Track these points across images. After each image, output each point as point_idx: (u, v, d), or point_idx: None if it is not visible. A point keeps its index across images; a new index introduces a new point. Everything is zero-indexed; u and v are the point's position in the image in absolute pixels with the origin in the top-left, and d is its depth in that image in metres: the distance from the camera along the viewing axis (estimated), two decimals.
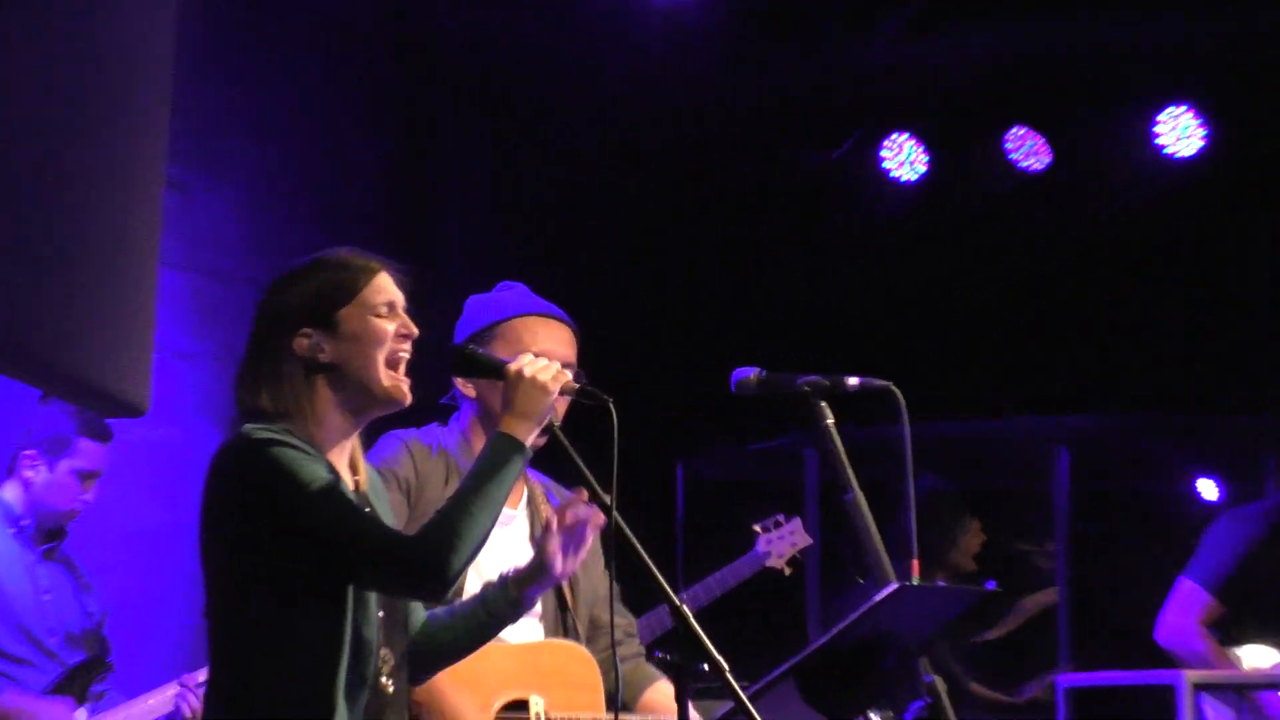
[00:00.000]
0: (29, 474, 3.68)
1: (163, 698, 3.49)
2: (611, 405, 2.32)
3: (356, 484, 2.33)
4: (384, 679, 2.32)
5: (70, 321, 2.87)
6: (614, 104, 5.65)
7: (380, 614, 2.28)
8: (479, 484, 2.25)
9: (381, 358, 2.28)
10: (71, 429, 3.65)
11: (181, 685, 3.57)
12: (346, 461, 2.33)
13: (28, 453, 3.69)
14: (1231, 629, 4.09)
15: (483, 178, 5.77)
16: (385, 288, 2.32)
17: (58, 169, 3.06)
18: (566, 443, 2.37)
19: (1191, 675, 3.74)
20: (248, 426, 2.24)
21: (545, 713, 2.94)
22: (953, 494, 5.13)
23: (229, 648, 2.27)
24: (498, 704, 2.90)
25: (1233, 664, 4.08)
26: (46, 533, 3.70)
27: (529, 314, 3.02)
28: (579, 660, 2.98)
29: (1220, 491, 5.90)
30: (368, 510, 2.31)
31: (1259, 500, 4.64)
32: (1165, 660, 4.14)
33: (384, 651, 2.32)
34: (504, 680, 2.95)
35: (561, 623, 3.04)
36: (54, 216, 3.11)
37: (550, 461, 2.59)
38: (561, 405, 2.60)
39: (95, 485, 3.75)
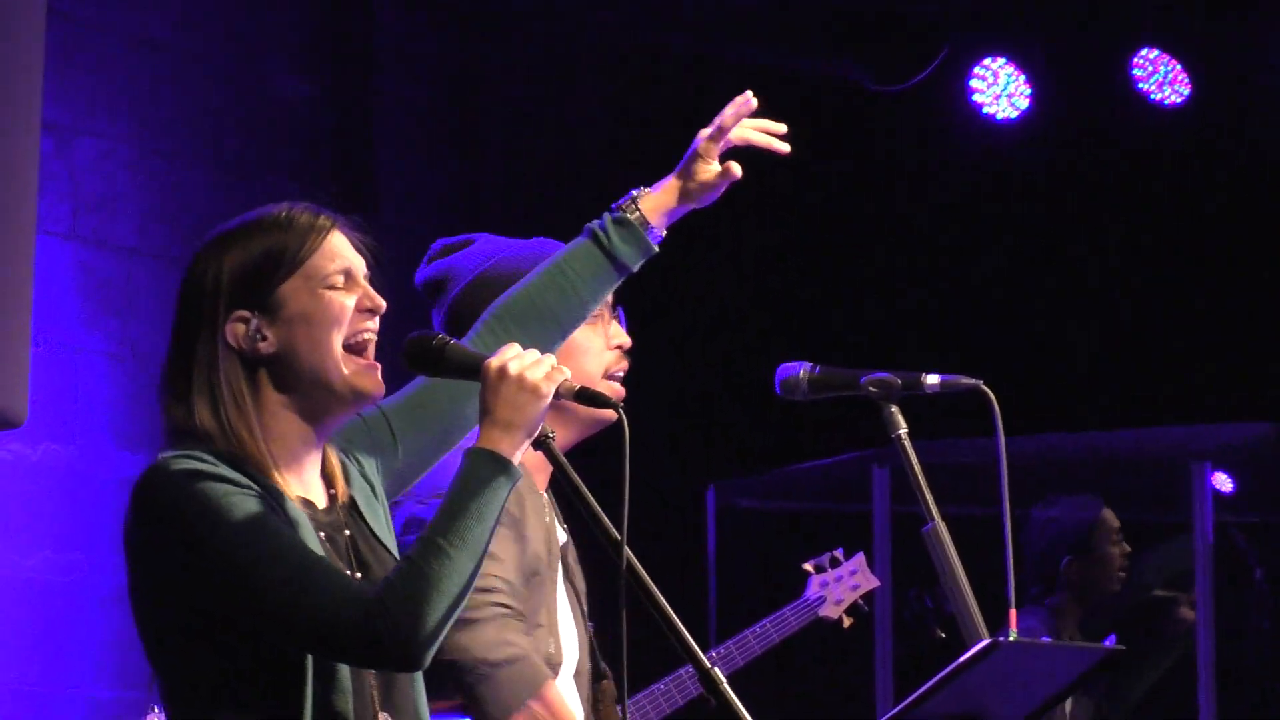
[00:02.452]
0: None
1: None
2: (621, 410, 2.39)
3: (333, 499, 2.45)
4: None
5: None
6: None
7: (366, 674, 2.40)
8: (453, 517, 2.30)
9: (338, 341, 2.37)
10: None
11: None
12: (317, 477, 2.45)
13: None
14: None
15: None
16: (339, 251, 2.41)
17: None
18: (564, 461, 2.47)
19: None
20: (164, 455, 2.33)
21: None
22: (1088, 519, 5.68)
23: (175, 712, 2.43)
24: None
25: None
26: None
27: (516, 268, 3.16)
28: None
29: None
30: (347, 533, 2.45)
31: None
32: None
33: (382, 717, 2.48)
34: None
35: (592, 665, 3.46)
36: None
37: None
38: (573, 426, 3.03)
39: None
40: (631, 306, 3.50)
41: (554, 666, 3.43)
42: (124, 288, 5.40)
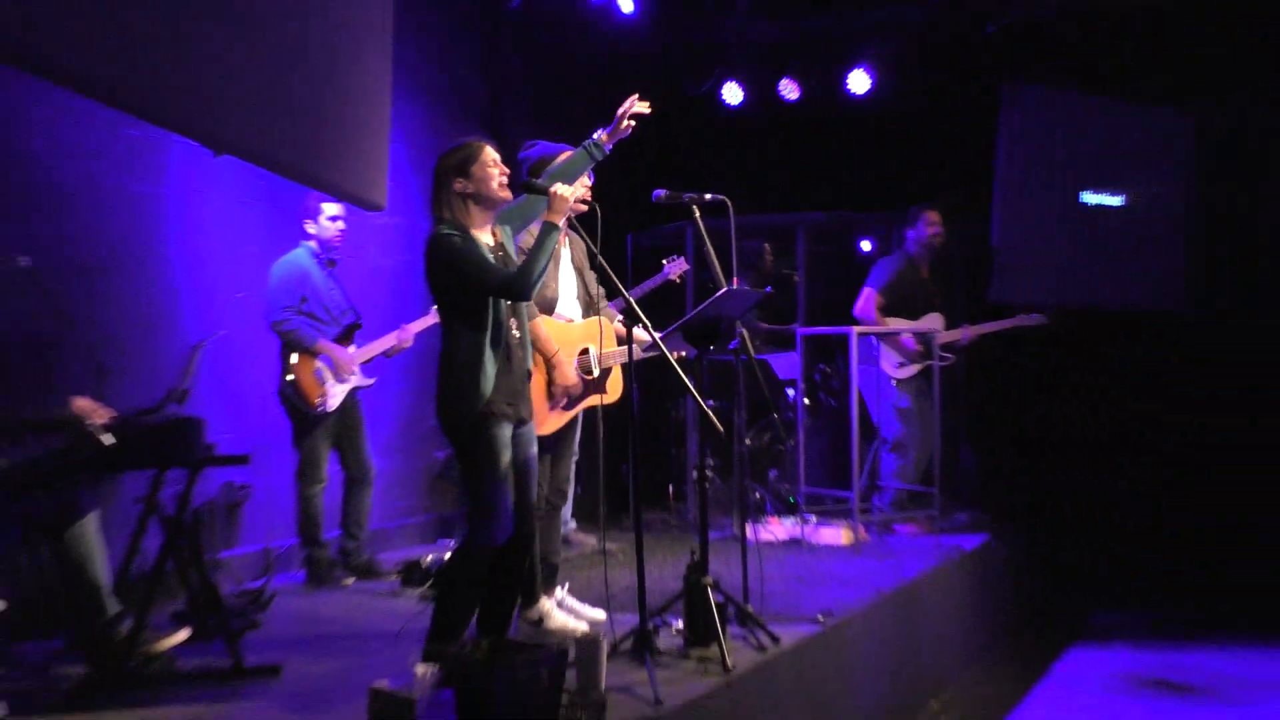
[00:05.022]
0: (311, 229, 7.78)
1: (388, 336, 7.85)
2: (595, 205, 5.50)
3: (496, 243, 5.16)
4: (513, 333, 5.16)
5: (330, 140, 5.62)
6: None
7: (506, 304, 5.16)
8: (538, 247, 5.01)
9: (495, 185, 5.17)
10: (323, 197, 7.66)
11: (400, 329, 7.81)
12: (489, 232, 5.19)
13: (305, 220, 7.77)
14: (887, 310, 9.14)
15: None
16: (490, 154, 5.17)
17: (304, 10, 5.24)
18: (575, 224, 5.61)
19: (856, 329, 8.68)
20: (440, 228, 5.06)
21: (597, 353, 6.24)
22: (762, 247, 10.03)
23: (446, 332, 5.09)
24: (577, 350, 6.18)
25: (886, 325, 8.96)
26: (329, 261, 7.82)
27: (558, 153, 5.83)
28: (606, 327, 6.24)
29: (872, 245, 11.63)
30: (500, 254, 5.12)
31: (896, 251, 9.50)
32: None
33: (512, 321, 5.19)
34: (579, 339, 6.22)
35: (589, 305, 6.30)
36: (304, 48, 5.32)
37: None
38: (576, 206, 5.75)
39: (343, 233, 7.80)
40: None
41: (552, 300, 6.22)
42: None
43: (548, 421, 6.06)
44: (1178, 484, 11.25)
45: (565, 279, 6.32)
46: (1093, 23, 10.74)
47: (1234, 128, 11.23)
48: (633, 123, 5.54)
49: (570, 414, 6.18)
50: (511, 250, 5.38)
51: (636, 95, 5.52)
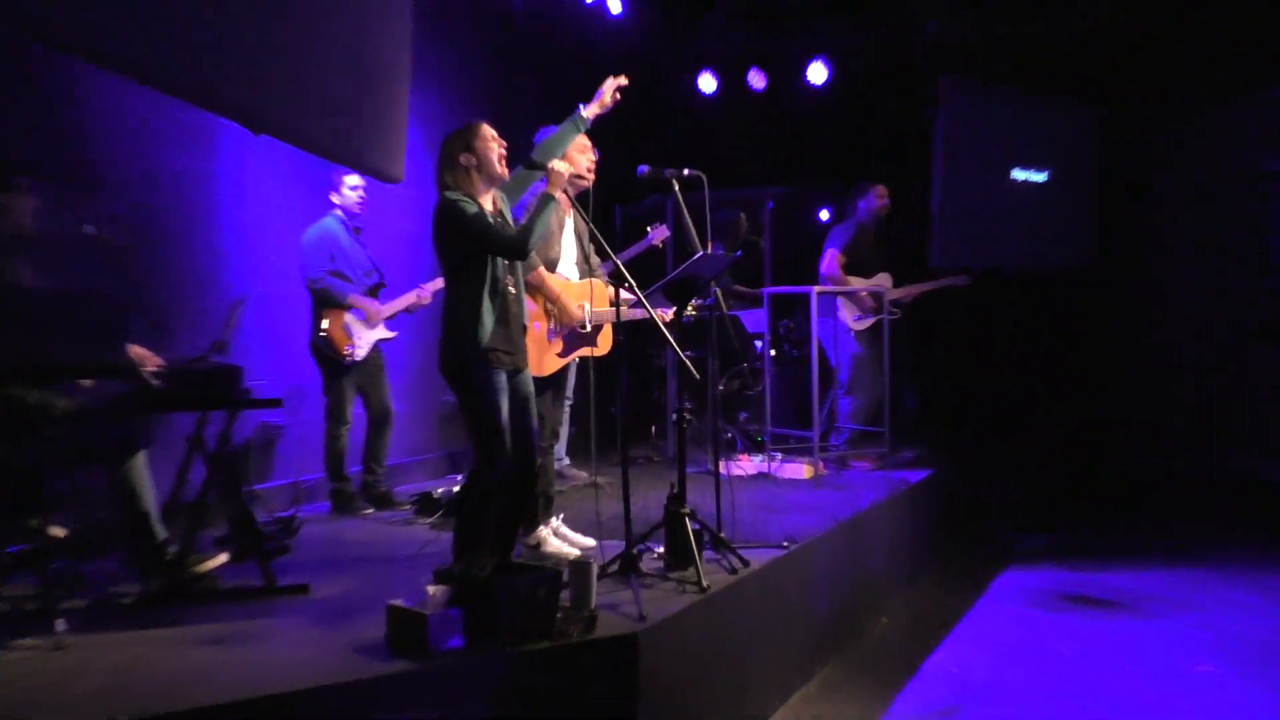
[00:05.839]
0: (336, 200, 7.75)
1: (409, 294, 7.82)
2: (590, 181, 6.05)
3: (496, 210, 5.23)
4: (510, 289, 5.18)
5: (355, 122, 5.80)
6: None
7: (505, 263, 5.22)
8: (536, 214, 5.14)
9: (495, 156, 5.19)
10: (346, 171, 7.62)
11: (419, 288, 7.77)
12: (490, 200, 5.21)
13: (331, 192, 7.73)
14: (845, 269, 9.09)
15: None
16: (490, 130, 5.23)
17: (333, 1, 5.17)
18: (571, 197, 6.01)
19: (816, 289, 8.66)
20: (446, 194, 5.11)
21: (590, 310, 6.27)
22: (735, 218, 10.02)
23: (449, 287, 5.14)
24: (575, 305, 6.27)
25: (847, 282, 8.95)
26: (355, 229, 7.79)
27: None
28: (599, 288, 6.32)
29: (829, 214, 11.60)
30: (500, 220, 5.13)
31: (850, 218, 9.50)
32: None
33: (508, 279, 5.23)
34: (576, 295, 6.29)
35: (587, 267, 6.36)
36: (330, 32, 5.30)
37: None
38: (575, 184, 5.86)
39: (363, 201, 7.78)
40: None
41: (555, 260, 6.22)
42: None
43: (545, 365, 6.07)
44: (1092, 420, 11.38)
45: (567, 244, 6.33)
46: (1020, 35, 10.98)
47: (1131, 122, 11.63)
48: (617, 96, 5.65)
49: (565, 360, 6.19)
50: (509, 217, 5.40)
51: (617, 76, 5.67)
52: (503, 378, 5.20)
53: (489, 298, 5.15)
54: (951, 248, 10.76)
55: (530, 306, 6.05)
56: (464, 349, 5.12)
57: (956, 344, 11.87)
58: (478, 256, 5.17)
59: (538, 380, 5.83)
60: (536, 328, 6.14)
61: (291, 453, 8.05)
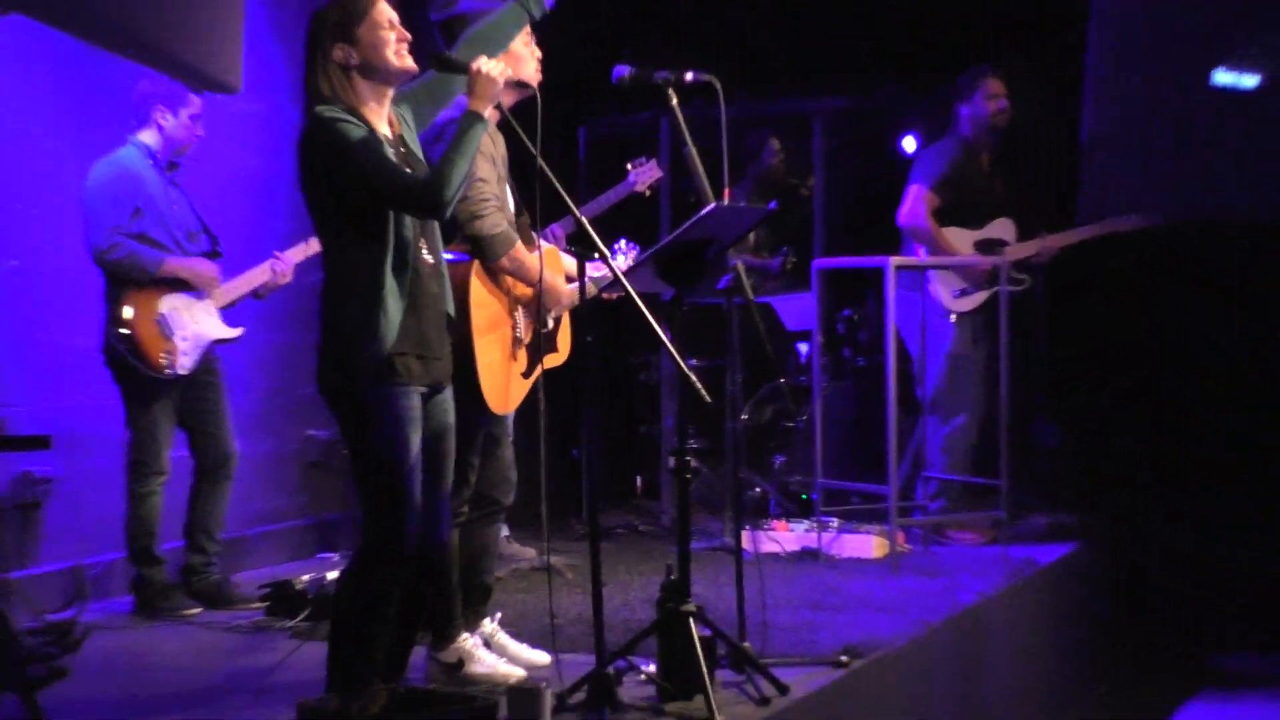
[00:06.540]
0: (161, 121, 7.67)
1: (258, 269, 7.82)
2: (537, 89, 5.39)
3: (395, 135, 5.00)
4: (424, 257, 5.06)
5: (174, 11, 5.67)
6: None
7: (414, 221, 4.98)
8: (458, 145, 4.89)
9: (390, 53, 4.98)
10: (184, 87, 7.42)
11: (274, 258, 7.78)
12: (384, 118, 5.02)
13: (158, 107, 7.61)
14: (941, 216, 9.13)
15: None
16: (384, 9, 5.01)
17: None
18: (508, 114, 5.19)
19: (895, 260, 8.58)
20: (317, 108, 4.91)
21: (548, 278, 6.15)
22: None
23: (329, 258, 5.02)
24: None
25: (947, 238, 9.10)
26: (170, 164, 7.68)
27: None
28: (553, 254, 6.33)
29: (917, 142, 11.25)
30: (403, 151, 4.96)
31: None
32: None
33: (421, 242, 5.05)
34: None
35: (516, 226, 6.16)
36: None
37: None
38: (510, 96, 5.48)
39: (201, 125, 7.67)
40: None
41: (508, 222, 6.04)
42: None
43: (513, 395, 6.08)
44: None
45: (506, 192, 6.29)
46: None
47: None
48: None
49: (531, 381, 6.16)
50: (416, 146, 5.34)
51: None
52: (414, 399, 5.16)
53: (393, 273, 5.07)
54: (1109, 189, 10.47)
55: (495, 304, 6.03)
56: (355, 357, 5.07)
57: (1126, 337, 11.30)
58: (373, 208, 5.07)
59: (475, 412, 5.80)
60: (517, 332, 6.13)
61: (68, 521, 7.94)
